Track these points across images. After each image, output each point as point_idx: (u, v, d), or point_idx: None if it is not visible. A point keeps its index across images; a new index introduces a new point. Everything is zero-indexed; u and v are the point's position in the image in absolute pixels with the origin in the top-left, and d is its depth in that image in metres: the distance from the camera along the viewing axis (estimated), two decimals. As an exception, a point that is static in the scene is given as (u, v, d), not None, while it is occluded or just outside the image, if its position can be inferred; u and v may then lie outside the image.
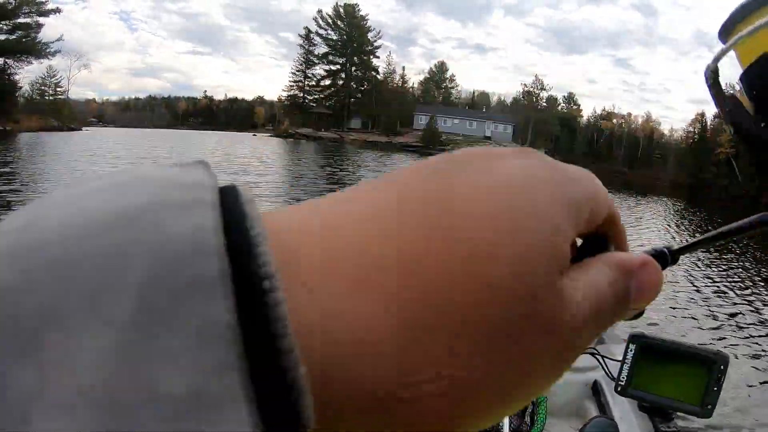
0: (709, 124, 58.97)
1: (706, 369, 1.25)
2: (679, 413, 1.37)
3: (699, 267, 10.31)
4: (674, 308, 7.07)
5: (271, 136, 62.10)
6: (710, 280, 9.30)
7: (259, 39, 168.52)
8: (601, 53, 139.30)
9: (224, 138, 50.23)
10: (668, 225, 19.09)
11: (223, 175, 15.87)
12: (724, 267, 10.73)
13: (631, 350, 1.33)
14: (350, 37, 67.15)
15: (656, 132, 75.63)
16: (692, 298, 7.82)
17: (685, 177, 56.48)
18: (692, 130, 62.72)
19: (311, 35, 67.71)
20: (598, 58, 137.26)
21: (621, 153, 73.80)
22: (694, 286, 8.68)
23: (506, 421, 1.39)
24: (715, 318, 6.95)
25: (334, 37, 67.85)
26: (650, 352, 1.32)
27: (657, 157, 71.18)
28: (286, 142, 51.87)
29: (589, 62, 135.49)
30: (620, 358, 1.36)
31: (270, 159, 25.76)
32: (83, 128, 51.57)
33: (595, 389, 2.26)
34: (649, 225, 17.74)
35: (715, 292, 8.44)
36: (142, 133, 51.88)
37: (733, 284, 9.24)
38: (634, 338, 1.34)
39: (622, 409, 2.05)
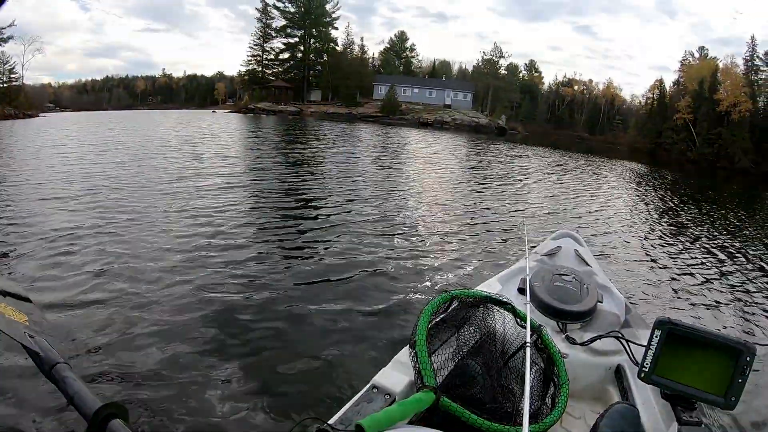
0: (668, 90, 59.69)
1: (732, 359, 1.28)
2: (702, 403, 1.35)
3: (729, 251, 9.49)
4: (700, 294, 6.51)
5: (230, 111, 61.08)
6: (740, 265, 8.46)
7: (216, 13, 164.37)
8: (564, 20, 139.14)
9: (183, 116, 49.00)
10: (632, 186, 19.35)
11: (178, 163, 14.50)
12: (756, 250, 9.98)
13: (656, 336, 1.36)
14: (308, 8, 65.87)
15: (618, 98, 76.76)
16: (718, 282, 7.19)
17: (645, 142, 57.33)
18: (651, 96, 63.37)
19: (268, 8, 66.29)
20: (561, 24, 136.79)
21: (582, 119, 74.59)
22: (722, 271, 7.88)
23: (526, 404, 1.31)
24: (743, 305, 6.36)
25: (292, 10, 66.52)
26: (676, 339, 1.33)
27: (618, 123, 72.15)
28: (246, 117, 51.02)
29: (552, 29, 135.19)
30: (645, 343, 1.39)
31: (229, 139, 24.54)
32: (40, 114, 49.84)
33: (618, 374, 2.18)
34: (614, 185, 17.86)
35: (746, 280, 7.57)
36: (97, 117, 50.26)
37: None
38: (660, 324, 1.35)
39: (645, 395, 1.98)
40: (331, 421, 1.50)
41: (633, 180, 21.93)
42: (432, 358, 1.59)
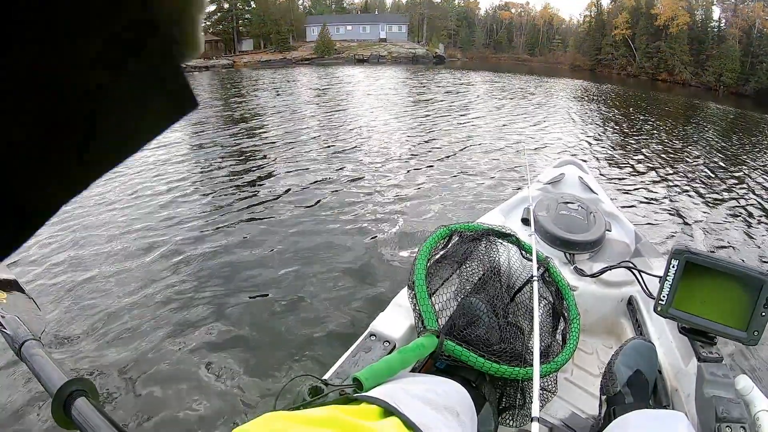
0: (605, 7, 59.74)
1: (754, 291, 1.19)
2: (722, 338, 1.27)
3: (713, 167, 9.16)
4: (705, 219, 6.10)
5: (159, 72, 58.04)
6: (733, 183, 8.08)
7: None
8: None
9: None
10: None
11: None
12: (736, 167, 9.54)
13: (673, 266, 1.27)
14: (230, -46, 62.39)
15: (556, 19, 76.47)
16: (721, 206, 6.77)
17: (585, 59, 57.76)
18: (589, 13, 63.28)
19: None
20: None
21: (522, 41, 74.43)
22: (717, 191, 7.48)
23: (536, 341, 1.20)
24: (753, 230, 5.95)
25: (212, -44, 62.80)
26: (694, 270, 1.24)
27: (558, 43, 72.38)
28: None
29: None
30: (660, 274, 1.31)
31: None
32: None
33: (631, 306, 2.02)
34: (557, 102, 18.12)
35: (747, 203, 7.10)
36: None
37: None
38: (677, 253, 1.27)
39: (660, 329, 1.81)
40: (326, 376, 1.35)
41: (587, 98, 21.76)
42: (433, 298, 1.44)
